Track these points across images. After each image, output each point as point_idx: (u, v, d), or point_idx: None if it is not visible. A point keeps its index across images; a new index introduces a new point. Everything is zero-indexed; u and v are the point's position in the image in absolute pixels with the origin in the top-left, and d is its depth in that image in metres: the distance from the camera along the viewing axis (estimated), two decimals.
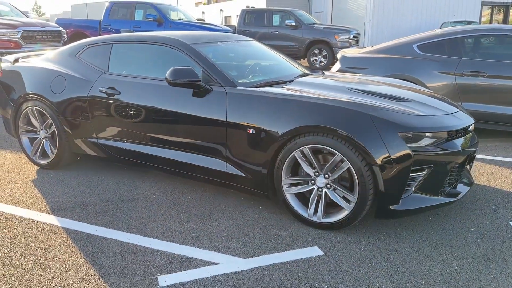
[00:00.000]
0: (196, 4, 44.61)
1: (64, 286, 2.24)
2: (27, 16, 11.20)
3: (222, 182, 3.20)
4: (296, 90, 3.06)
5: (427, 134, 2.67)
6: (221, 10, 34.41)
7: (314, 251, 2.58)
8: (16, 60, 4.30)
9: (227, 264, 2.45)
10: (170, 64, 3.33)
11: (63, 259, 2.50)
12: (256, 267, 2.42)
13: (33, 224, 2.93)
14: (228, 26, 14.72)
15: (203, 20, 14.97)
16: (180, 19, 12.02)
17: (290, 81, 3.42)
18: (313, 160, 2.75)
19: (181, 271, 2.38)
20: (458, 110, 3.16)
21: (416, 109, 2.86)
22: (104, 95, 3.54)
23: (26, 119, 4.01)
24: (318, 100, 2.78)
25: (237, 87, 3.10)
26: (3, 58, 4.47)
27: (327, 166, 2.72)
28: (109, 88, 3.53)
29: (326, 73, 4.15)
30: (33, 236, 2.76)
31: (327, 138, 2.66)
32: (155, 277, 2.33)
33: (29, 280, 2.29)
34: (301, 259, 2.50)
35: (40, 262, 2.46)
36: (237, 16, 13.86)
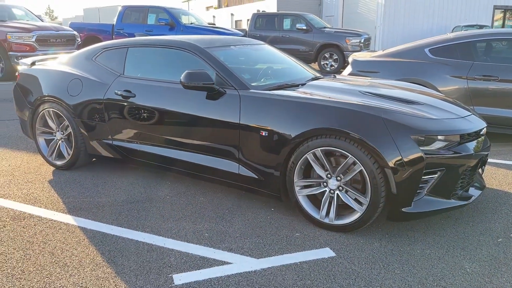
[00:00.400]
0: (207, 8, 44.88)
1: (81, 283, 2.30)
2: (41, 20, 11.41)
3: (234, 183, 3.25)
4: (308, 93, 3.09)
5: (439, 137, 2.68)
6: (231, 14, 34.59)
7: (326, 252, 2.61)
8: (33, 63, 4.40)
9: (240, 263, 2.49)
10: (185, 67, 3.39)
11: (80, 257, 2.56)
12: (269, 267, 2.45)
13: (50, 223, 3.00)
14: (238, 30, 14.81)
15: (214, 24, 15.07)
16: (191, 23, 12.14)
17: (303, 84, 3.45)
18: (326, 163, 2.78)
19: (196, 270, 2.43)
20: (471, 113, 3.16)
21: (429, 112, 2.87)
22: (120, 97, 3.61)
23: (42, 121, 4.10)
24: (330, 103, 2.82)
25: (250, 90, 3.14)
26: (20, 61, 4.58)
27: (339, 168, 2.75)
28: (124, 90, 3.60)
29: (337, 76, 4.18)
30: (51, 235, 2.83)
31: (339, 141, 2.69)
32: (170, 275, 2.37)
33: (47, 277, 2.35)
34: (313, 260, 2.53)
35: (58, 260, 2.52)
36: (248, 20, 13.95)
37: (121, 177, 3.92)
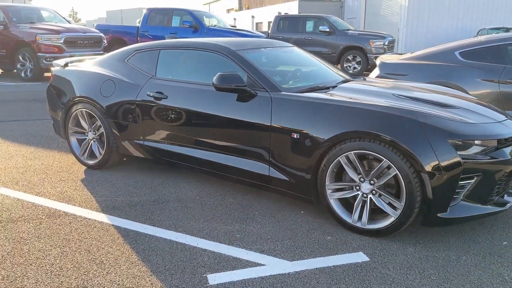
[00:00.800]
0: (228, 10, 45.15)
1: (118, 281, 2.34)
2: (69, 22, 11.67)
3: (264, 185, 3.26)
4: (341, 96, 3.08)
5: (477, 142, 2.64)
6: (252, 17, 34.71)
7: (360, 257, 2.59)
8: (66, 65, 4.50)
9: (273, 265, 2.50)
10: (216, 69, 3.42)
11: (115, 255, 2.60)
12: (302, 270, 2.45)
13: (85, 221, 3.06)
14: (261, 32, 14.83)
15: (235, 26, 15.14)
16: (214, 26, 12.23)
17: (333, 87, 3.44)
18: (359, 166, 2.76)
19: (229, 270, 2.44)
20: (507, 118, 3.10)
21: (465, 116, 2.83)
22: (152, 99, 3.66)
23: (75, 121, 4.19)
24: (365, 106, 2.80)
25: (282, 92, 3.15)
26: (54, 62, 4.69)
27: (373, 172, 2.72)
28: (156, 92, 3.66)
29: (367, 79, 4.15)
30: (86, 232, 2.89)
31: (374, 144, 2.67)
32: (204, 275, 2.39)
33: (85, 274, 2.40)
34: (346, 264, 2.52)
35: (94, 257, 2.58)
36: (269, 22, 13.98)
37: (151, 177, 3.98)
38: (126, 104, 3.81)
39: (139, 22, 14.04)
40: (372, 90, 3.35)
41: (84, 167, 4.22)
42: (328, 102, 2.93)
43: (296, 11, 24.82)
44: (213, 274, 2.40)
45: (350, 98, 2.99)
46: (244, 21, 35.40)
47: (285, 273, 2.42)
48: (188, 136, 3.55)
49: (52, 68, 4.57)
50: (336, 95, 3.11)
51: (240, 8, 42.02)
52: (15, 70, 10.73)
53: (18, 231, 2.89)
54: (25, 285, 2.29)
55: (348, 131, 2.75)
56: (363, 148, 2.71)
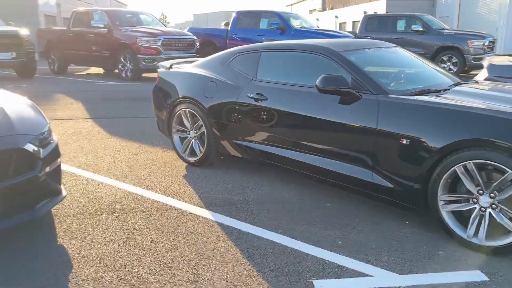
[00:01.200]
0: (310, 11, 44.86)
1: (226, 278, 2.40)
2: (165, 26, 12.39)
3: (365, 191, 3.15)
4: (456, 100, 2.87)
5: None
6: (336, 17, 34.10)
7: (478, 276, 2.38)
8: (171, 67, 4.76)
9: (381, 277, 2.39)
10: (317, 71, 3.38)
11: (221, 251, 2.68)
12: (414, 285, 2.31)
13: (190, 216, 3.20)
14: (348, 32, 14.49)
15: (318, 27, 14.96)
16: (302, 27, 12.20)
17: (445, 90, 3.22)
18: (478, 177, 2.54)
19: (335, 278, 2.39)
20: None
21: None
22: (252, 100, 3.72)
23: (178, 120, 4.40)
24: (486, 112, 2.58)
25: (389, 95, 3.02)
26: (159, 64, 4.98)
27: (494, 184, 2.49)
28: (256, 94, 3.71)
29: (481, 82, 3.83)
30: (192, 227, 3.01)
31: (496, 153, 2.44)
32: (310, 280, 2.36)
33: (194, 268, 2.50)
34: (463, 282, 2.33)
35: (202, 252, 2.67)
36: (354, 22, 13.57)
37: (246, 176, 4.05)
38: (227, 105, 3.91)
39: (224, 25, 14.49)
40: (490, 95, 3.08)
41: (184, 164, 4.42)
42: (444, 106, 2.74)
43: (384, 11, 23.88)
44: (319, 280, 2.36)
45: (467, 103, 2.77)
46: (327, 21, 34.90)
47: (395, 287, 2.30)
48: (287, 138, 3.55)
49: (158, 70, 4.86)
50: (451, 99, 2.90)
51: (323, 9, 41.51)
52: (116, 70, 11.63)
53: (131, 222, 3.10)
54: (141, 275, 2.43)
55: (466, 139, 2.55)
56: (484, 157, 2.49)
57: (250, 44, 4.16)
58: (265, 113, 3.66)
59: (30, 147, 2.67)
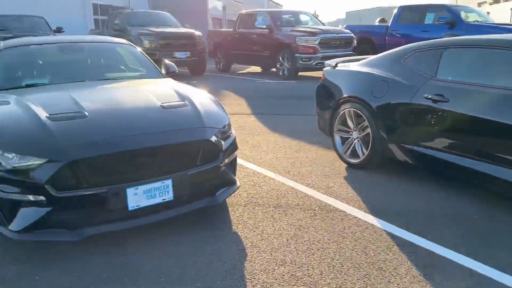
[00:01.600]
0: (479, 4, 40.01)
1: None
2: (323, 25, 12.43)
3: None
4: None
5: None
6: (511, 9, 29.68)
7: None
8: (336, 65, 4.68)
9: None
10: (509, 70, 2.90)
11: (394, 264, 2.49)
12: None
13: (355, 220, 3.08)
14: None
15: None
16: (475, 21, 10.88)
17: None
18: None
19: None
20: None
21: None
22: (430, 102, 3.40)
23: (341, 120, 4.29)
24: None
25: None
26: (326, 62, 4.95)
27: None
28: (435, 95, 3.38)
29: None
30: (359, 233, 2.89)
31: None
32: None
33: (366, 277, 2.37)
34: None
35: (372, 261, 2.53)
36: None
37: (416, 185, 3.72)
38: (399, 106, 3.66)
39: (379, 21, 13.79)
40: None
41: (344, 165, 4.30)
42: None
43: None
44: None
45: None
46: (499, 14, 30.64)
47: None
48: (469, 146, 3.14)
49: (324, 69, 4.83)
50: None
51: (496, 1, 36.57)
52: (274, 69, 12.11)
53: (297, 219, 3.12)
54: (311, 274, 2.41)
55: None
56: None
57: (430, 40, 3.80)
58: (444, 116, 3.31)
59: (214, 139, 2.89)
